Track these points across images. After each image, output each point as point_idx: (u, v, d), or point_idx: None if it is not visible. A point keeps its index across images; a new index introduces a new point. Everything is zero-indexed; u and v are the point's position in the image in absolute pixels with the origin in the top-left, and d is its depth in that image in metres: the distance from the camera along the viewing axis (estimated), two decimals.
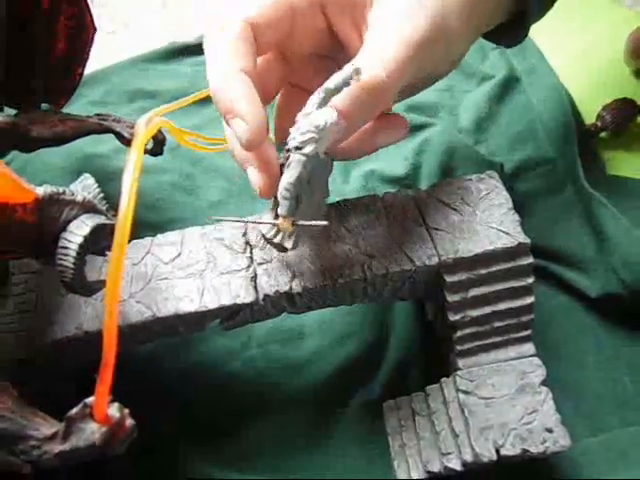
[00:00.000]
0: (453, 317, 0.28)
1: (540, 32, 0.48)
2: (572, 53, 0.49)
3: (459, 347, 0.28)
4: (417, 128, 0.44)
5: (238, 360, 0.35)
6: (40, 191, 0.22)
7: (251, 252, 0.29)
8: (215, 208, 0.42)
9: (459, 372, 0.28)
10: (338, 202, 0.31)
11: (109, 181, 0.40)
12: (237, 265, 0.29)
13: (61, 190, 0.23)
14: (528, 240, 0.29)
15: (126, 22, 0.58)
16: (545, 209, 0.39)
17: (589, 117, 0.44)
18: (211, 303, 0.28)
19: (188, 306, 0.28)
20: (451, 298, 0.28)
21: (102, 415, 0.19)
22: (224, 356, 0.35)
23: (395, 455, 0.30)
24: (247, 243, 0.30)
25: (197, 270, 0.29)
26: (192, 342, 0.35)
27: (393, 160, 0.42)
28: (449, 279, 0.28)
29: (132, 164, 0.17)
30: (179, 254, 0.30)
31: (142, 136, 0.19)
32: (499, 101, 0.45)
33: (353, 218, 0.30)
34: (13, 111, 0.32)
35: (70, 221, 0.23)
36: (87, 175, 0.25)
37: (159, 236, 0.30)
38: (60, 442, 0.20)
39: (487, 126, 0.44)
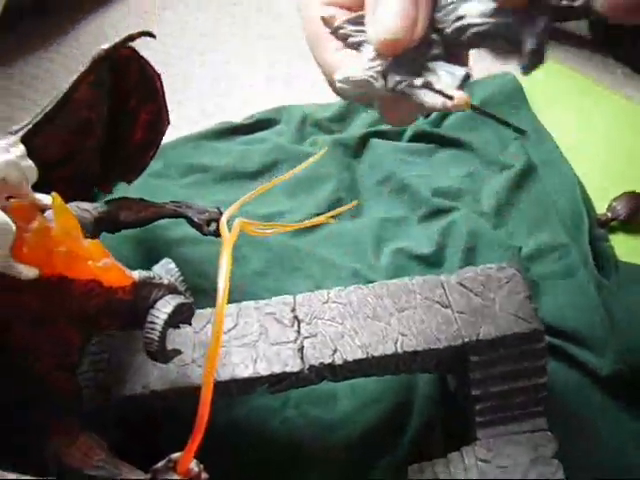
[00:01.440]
0: (475, 391, 0.32)
1: (555, 126, 0.54)
2: (586, 146, 0.54)
3: (479, 418, 0.32)
4: (442, 212, 0.48)
5: (277, 419, 0.39)
6: (136, 276, 0.27)
7: (299, 326, 0.34)
8: (259, 276, 0.47)
9: (478, 442, 0.32)
10: (374, 284, 0.35)
11: (168, 248, 0.45)
12: (286, 337, 0.33)
13: (151, 275, 0.27)
14: (542, 327, 0.32)
15: (180, 100, 0.65)
16: (559, 291, 0.43)
17: (601, 206, 0.48)
18: (263, 370, 0.32)
19: (243, 372, 0.32)
20: (474, 375, 0.32)
21: (185, 469, 0.23)
22: (265, 414, 0.39)
23: None
24: (295, 318, 0.34)
25: (251, 340, 0.33)
26: (236, 400, 0.39)
27: (420, 240, 0.47)
28: (472, 358, 0.32)
29: (225, 265, 0.22)
30: (235, 325, 0.34)
31: (230, 241, 0.24)
32: (518, 189, 0.50)
33: (387, 298, 0.35)
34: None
35: (157, 300, 0.27)
36: (169, 260, 0.29)
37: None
38: None
39: (507, 212, 0.49)
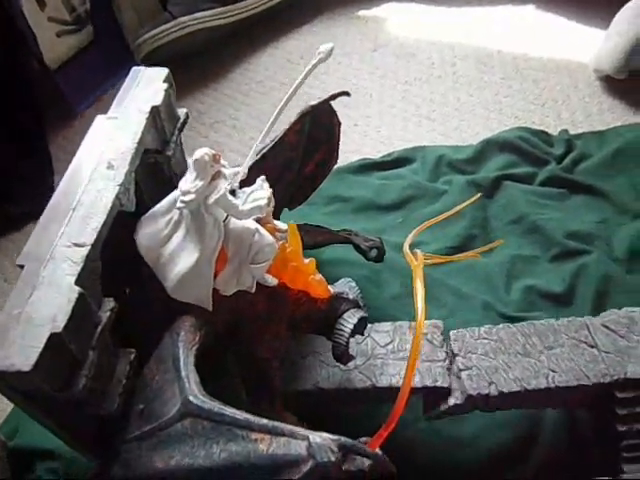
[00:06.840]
0: (621, 428, 0.34)
1: None
2: None
3: (625, 454, 0.34)
4: (575, 253, 0.51)
5: (410, 430, 0.42)
6: (332, 290, 0.32)
7: (450, 350, 0.38)
8: (395, 300, 0.51)
9: (624, 475, 0.34)
10: (522, 324, 0.38)
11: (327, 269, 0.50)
12: (436, 356, 0.37)
13: (341, 290, 0.33)
14: None
15: None
16: None
17: None
18: (417, 383, 0.36)
19: (399, 382, 0.36)
20: (620, 411, 0.34)
21: (374, 448, 0.27)
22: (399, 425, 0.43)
23: None
24: (444, 340, 0.38)
25: (404, 355, 0.38)
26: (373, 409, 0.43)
27: (551, 279, 0.50)
28: (620, 395, 0.34)
29: (420, 288, 0.27)
30: (391, 341, 0.39)
31: (419, 268, 0.28)
32: None
33: (535, 337, 0.37)
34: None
35: (344, 312, 0.32)
36: (349, 279, 0.35)
37: (376, 324, 0.40)
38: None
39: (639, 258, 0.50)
